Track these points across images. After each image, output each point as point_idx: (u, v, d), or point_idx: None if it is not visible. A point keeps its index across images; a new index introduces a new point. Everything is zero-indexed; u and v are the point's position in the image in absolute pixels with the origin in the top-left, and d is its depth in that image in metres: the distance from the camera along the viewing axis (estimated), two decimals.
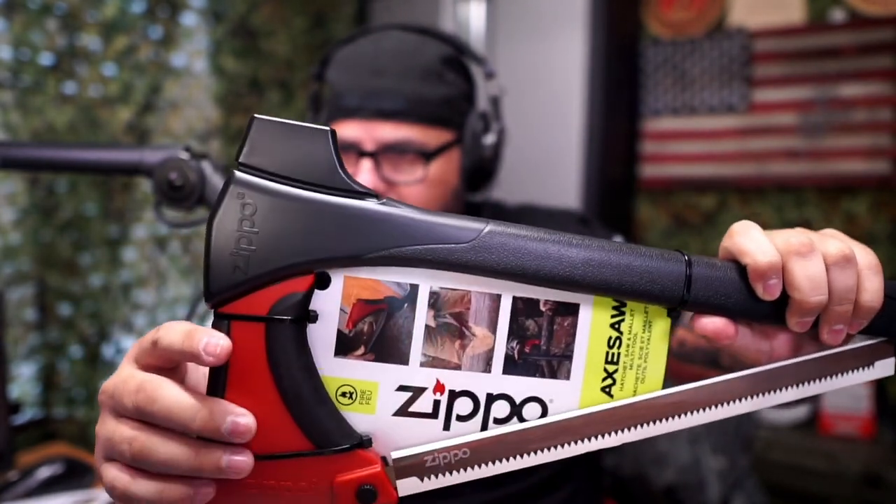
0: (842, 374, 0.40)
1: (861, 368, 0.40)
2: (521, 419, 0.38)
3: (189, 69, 1.70)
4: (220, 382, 0.34)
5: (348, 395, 0.37)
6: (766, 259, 0.36)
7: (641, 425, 0.38)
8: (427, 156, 0.73)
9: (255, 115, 0.35)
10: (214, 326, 0.34)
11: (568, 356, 0.38)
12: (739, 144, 2.06)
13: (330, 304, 0.36)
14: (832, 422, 1.74)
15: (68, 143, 0.75)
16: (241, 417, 0.33)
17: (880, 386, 1.82)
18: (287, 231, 0.34)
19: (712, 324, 0.37)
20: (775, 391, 0.39)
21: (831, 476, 1.65)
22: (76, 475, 0.94)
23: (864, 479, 1.62)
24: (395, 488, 0.36)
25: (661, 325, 0.38)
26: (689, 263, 0.37)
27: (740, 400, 0.39)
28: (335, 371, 0.36)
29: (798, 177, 1.99)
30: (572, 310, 0.38)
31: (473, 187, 0.79)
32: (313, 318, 0.35)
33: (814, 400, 1.81)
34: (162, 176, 0.71)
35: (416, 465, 0.37)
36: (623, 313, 0.38)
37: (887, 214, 1.92)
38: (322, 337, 0.36)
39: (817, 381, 0.39)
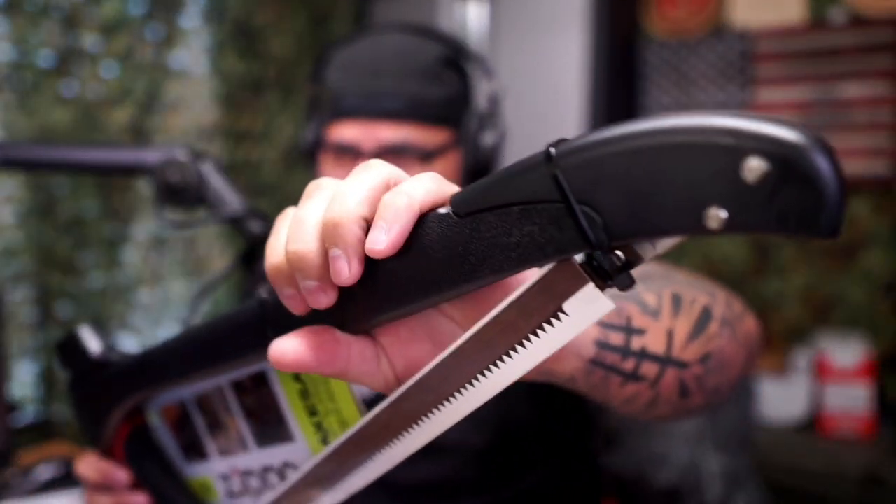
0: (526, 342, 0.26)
1: (546, 328, 0.25)
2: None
3: (189, 69, 1.70)
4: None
5: (203, 489, 0.46)
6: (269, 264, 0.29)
7: (357, 467, 0.33)
8: (427, 157, 0.73)
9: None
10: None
11: (281, 420, 0.39)
12: None
13: (163, 430, 0.46)
14: (832, 422, 1.74)
15: (68, 143, 0.75)
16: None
17: (880, 386, 1.83)
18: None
19: (280, 352, 0.29)
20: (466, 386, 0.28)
21: (831, 476, 1.65)
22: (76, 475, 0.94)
23: (864, 480, 1.62)
24: None
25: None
26: (263, 303, 0.32)
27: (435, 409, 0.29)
28: (187, 473, 0.46)
29: None
30: (263, 378, 0.39)
31: None
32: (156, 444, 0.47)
33: (815, 401, 1.80)
34: (162, 176, 0.71)
35: None
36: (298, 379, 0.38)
37: (887, 215, 1.92)
38: (171, 451, 0.46)
39: (502, 360, 0.27)
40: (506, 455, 0.76)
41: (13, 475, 0.92)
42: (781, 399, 1.82)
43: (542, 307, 0.25)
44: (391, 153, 0.72)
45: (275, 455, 0.40)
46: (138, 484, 0.48)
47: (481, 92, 0.81)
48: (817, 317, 2.02)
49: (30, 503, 0.87)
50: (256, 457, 0.41)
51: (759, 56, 2.02)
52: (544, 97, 1.91)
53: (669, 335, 0.40)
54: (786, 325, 2.06)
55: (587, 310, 0.25)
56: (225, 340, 0.35)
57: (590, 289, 0.24)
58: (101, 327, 0.48)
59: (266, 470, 0.41)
